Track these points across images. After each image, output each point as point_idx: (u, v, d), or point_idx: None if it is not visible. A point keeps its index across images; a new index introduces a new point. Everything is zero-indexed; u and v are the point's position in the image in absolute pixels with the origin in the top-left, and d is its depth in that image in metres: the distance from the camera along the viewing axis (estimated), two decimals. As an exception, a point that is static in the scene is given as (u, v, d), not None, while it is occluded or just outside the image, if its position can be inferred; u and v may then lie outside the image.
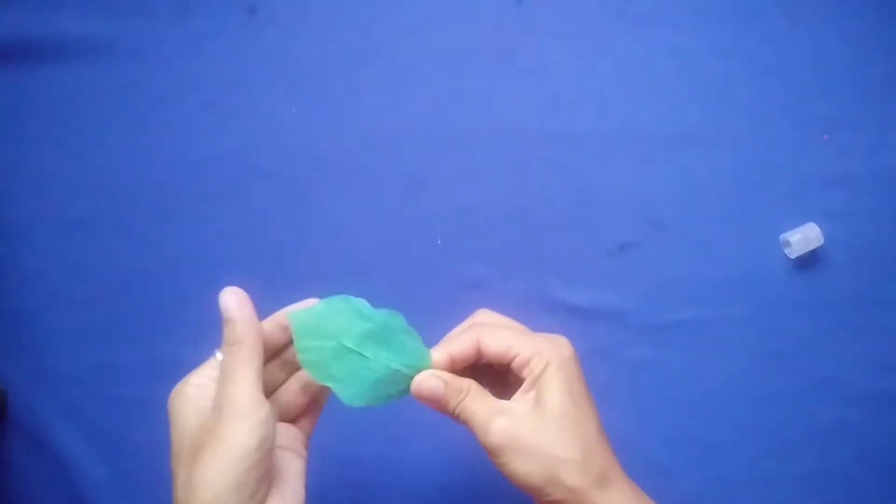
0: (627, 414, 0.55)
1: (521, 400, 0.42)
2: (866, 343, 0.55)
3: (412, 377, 0.42)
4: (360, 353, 0.42)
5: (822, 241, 0.55)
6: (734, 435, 0.55)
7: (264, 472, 0.39)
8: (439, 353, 0.43)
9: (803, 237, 0.54)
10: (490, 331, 0.44)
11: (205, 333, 0.57)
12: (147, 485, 0.57)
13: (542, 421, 0.41)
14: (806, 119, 0.56)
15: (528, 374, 0.42)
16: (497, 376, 0.45)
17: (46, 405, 0.57)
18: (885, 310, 0.55)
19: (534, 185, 0.57)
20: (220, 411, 0.39)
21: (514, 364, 0.43)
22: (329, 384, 0.42)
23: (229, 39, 0.58)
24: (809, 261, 0.55)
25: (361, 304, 0.43)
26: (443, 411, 0.43)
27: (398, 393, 0.43)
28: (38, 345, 0.58)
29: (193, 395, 0.41)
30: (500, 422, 0.41)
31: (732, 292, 0.56)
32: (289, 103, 0.58)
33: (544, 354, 0.42)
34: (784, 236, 0.55)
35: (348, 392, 0.42)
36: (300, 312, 0.43)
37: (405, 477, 0.56)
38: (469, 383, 0.43)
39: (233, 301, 0.42)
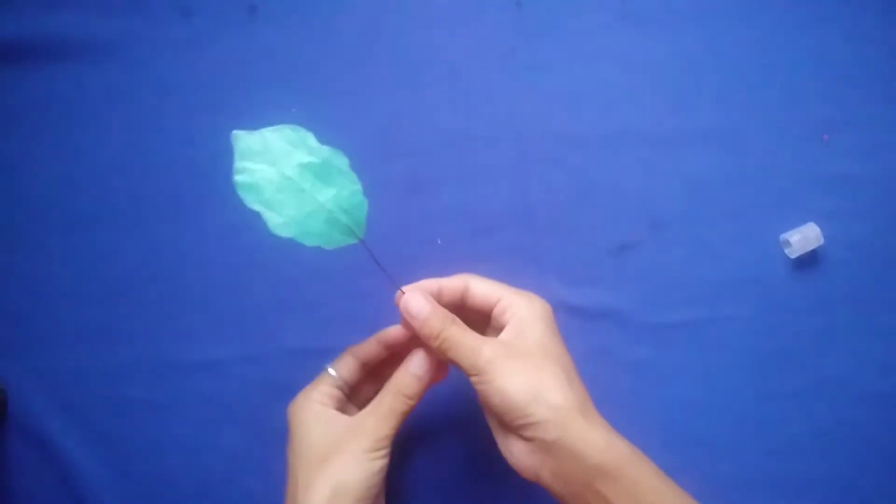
0: (627, 414, 0.55)
1: (505, 334, 0.45)
2: (866, 343, 0.55)
3: (344, 223, 0.43)
4: (297, 184, 0.42)
5: (822, 241, 0.55)
6: (734, 435, 0.55)
7: (376, 495, 0.46)
8: (430, 282, 0.47)
9: (803, 237, 0.54)
10: (478, 278, 0.48)
11: (205, 333, 0.57)
12: (147, 485, 0.57)
13: (527, 349, 0.44)
14: (806, 119, 0.56)
15: (511, 317, 0.45)
16: (475, 326, 0.47)
17: (46, 405, 0.57)
18: (885, 310, 0.55)
19: (534, 185, 0.57)
20: (361, 436, 0.45)
21: (497, 308, 0.46)
22: (259, 209, 0.42)
23: (229, 39, 0.58)
24: (809, 261, 0.55)
25: (309, 137, 0.43)
26: (426, 335, 0.45)
27: (327, 239, 0.43)
28: (38, 345, 0.58)
29: (321, 410, 0.47)
30: (490, 345, 0.44)
31: (732, 292, 0.56)
32: (289, 103, 0.58)
33: (528, 303, 0.46)
34: (784, 236, 0.55)
35: (276, 220, 0.42)
36: (246, 134, 0.43)
37: (405, 477, 0.56)
38: (454, 316, 0.45)
39: (423, 365, 0.47)
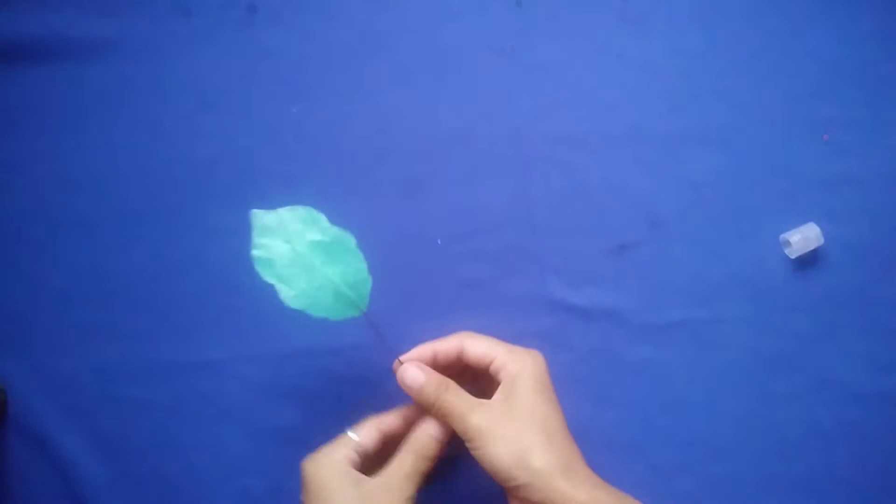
0: (627, 414, 0.56)
1: (496, 396, 0.48)
2: (866, 343, 0.55)
3: (350, 297, 0.47)
4: (308, 260, 0.47)
5: (822, 241, 0.55)
6: (734, 435, 0.55)
7: None
8: (425, 349, 0.49)
9: (803, 237, 0.54)
10: (473, 337, 0.50)
11: (205, 333, 0.57)
12: (147, 485, 0.57)
13: (513, 413, 0.46)
14: (806, 119, 0.56)
15: (505, 376, 0.48)
16: (472, 383, 0.50)
17: (46, 405, 0.57)
18: (885, 310, 0.55)
19: (534, 185, 0.57)
20: (388, 493, 0.47)
21: (492, 367, 0.49)
22: (273, 282, 0.47)
23: (229, 39, 0.58)
24: (809, 261, 0.55)
25: (322, 218, 0.48)
26: (422, 402, 0.48)
27: (333, 311, 0.47)
28: (38, 345, 0.58)
29: (346, 471, 0.47)
30: (479, 412, 0.47)
31: (732, 292, 0.56)
32: (289, 103, 0.58)
33: (520, 361, 0.48)
34: (784, 236, 0.55)
35: (288, 292, 0.47)
36: (263, 213, 0.48)
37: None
38: (448, 380, 0.48)
39: (441, 428, 0.49)
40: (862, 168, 0.56)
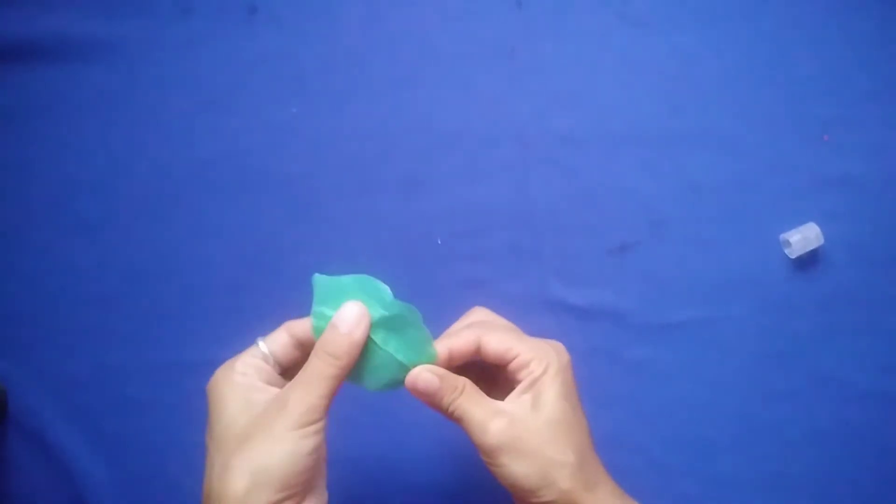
0: (627, 414, 0.56)
1: (517, 402, 0.43)
2: (866, 343, 0.55)
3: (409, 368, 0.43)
4: (370, 336, 0.42)
5: (822, 241, 0.55)
6: (734, 435, 0.55)
7: (307, 480, 0.40)
8: (440, 347, 0.43)
9: (803, 237, 0.54)
10: (491, 331, 0.44)
11: (205, 333, 0.57)
12: (147, 485, 0.57)
13: (539, 424, 0.42)
14: (806, 119, 0.56)
15: (527, 376, 0.43)
16: (487, 376, 0.45)
17: (46, 405, 0.57)
18: (885, 310, 0.55)
19: (534, 185, 0.57)
20: (284, 410, 0.39)
21: (513, 365, 0.43)
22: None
23: (229, 39, 0.58)
24: (809, 261, 0.55)
25: (385, 290, 0.43)
26: (436, 408, 0.43)
27: (394, 384, 0.43)
28: (38, 345, 0.58)
29: (241, 382, 0.41)
30: (498, 423, 0.41)
31: (732, 292, 0.56)
32: (289, 103, 0.58)
33: (544, 358, 0.43)
34: (784, 236, 0.55)
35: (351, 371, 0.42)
36: (326, 278, 0.43)
37: (405, 477, 0.56)
38: (464, 382, 0.43)
39: (355, 316, 0.41)
40: (862, 168, 0.56)
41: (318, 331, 0.42)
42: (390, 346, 0.42)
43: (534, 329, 0.56)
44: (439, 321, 0.55)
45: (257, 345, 0.43)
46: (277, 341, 0.44)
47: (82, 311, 0.57)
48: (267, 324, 0.57)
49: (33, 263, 0.58)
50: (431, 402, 0.43)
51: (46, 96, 0.59)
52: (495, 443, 0.41)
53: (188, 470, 0.57)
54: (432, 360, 0.43)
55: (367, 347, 0.42)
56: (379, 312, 0.42)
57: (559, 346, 0.45)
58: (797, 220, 0.55)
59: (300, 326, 0.44)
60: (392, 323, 0.42)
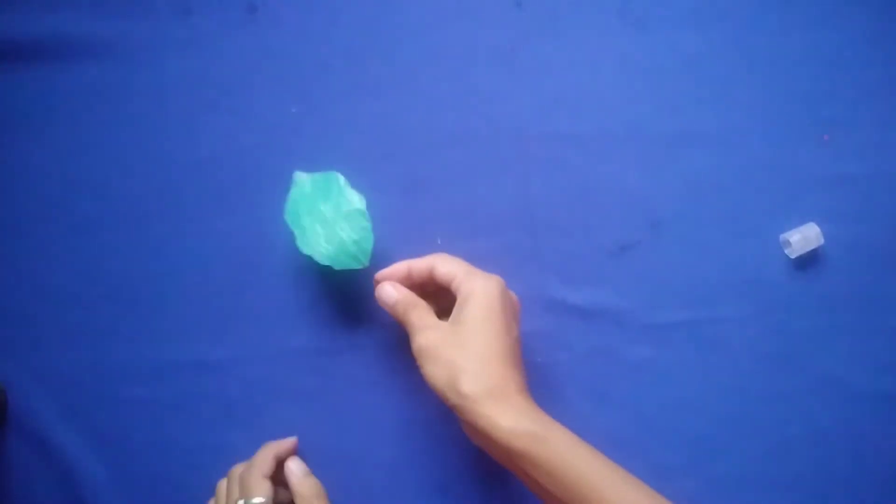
0: (627, 414, 0.56)
1: (449, 319, 0.50)
2: (866, 343, 0.55)
3: (352, 252, 0.53)
4: (323, 216, 0.53)
5: (822, 241, 0.55)
6: (734, 435, 0.55)
7: None
8: (401, 266, 0.52)
9: (803, 237, 0.54)
10: (444, 258, 0.52)
11: (205, 333, 0.57)
12: (147, 485, 0.57)
13: (454, 335, 0.48)
14: (806, 119, 0.56)
15: (459, 298, 0.50)
16: (448, 302, 0.51)
17: (46, 405, 0.57)
18: (885, 310, 0.55)
19: (534, 185, 0.57)
20: None
21: (452, 287, 0.50)
22: (293, 229, 0.54)
23: (229, 39, 0.58)
24: (809, 261, 0.55)
25: (341, 178, 0.54)
26: (395, 318, 0.52)
27: (338, 262, 0.53)
28: (38, 345, 0.58)
29: None
30: (426, 333, 0.49)
31: (732, 292, 0.56)
32: (289, 103, 0.58)
33: (472, 283, 0.49)
34: (784, 236, 0.55)
35: (303, 241, 0.53)
36: (303, 174, 0.55)
37: (405, 477, 0.56)
38: (417, 300, 0.51)
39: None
40: (862, 168, 0.56)
41: (288, 213, 0.54)
42: (337, 226, 0.53)
43: (534, 329, 0.56)
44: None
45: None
46: (266, 488, 0.52)
47: (82, 311, 0.58)
48: (267, 323, 0.57)
49: (33, 263, 0.58)
50: (392, 313, 0.52)
51: (46, 96, 0.59)
52: (416, 347, 0.49)
53: (188, 470, 0.57)
54: (371, 242, 0.53)
55: (323, 223, 0.53)
56: (335, 196, 0.53)
57: (495, 277, 0.50)
58: (797, 220, 0.55)
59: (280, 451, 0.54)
60: (341, 206, 0.53)
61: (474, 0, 0.58)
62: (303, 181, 0.54)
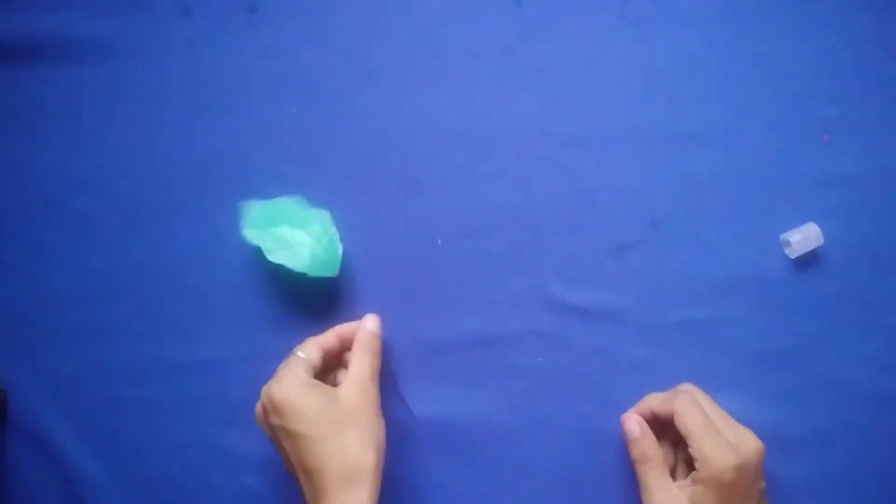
0: (627, 414, 0.55)
1: (682, 492, 0.48)
2: (866, 343, 0.55)
3: (322, 259, 0.54)
4: (289, 232, 0.54)
5: (822, 241, 0.55)
6: (734, 435, 0.55)
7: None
8: (645, 405, 0.53)
9: (803, 237, 0.54)
10: (687, 404, 0.50)
11: (205, 333, 0.57)
12: (147, 485, 0.57)
13: None
14: (806, 119, 0.56)
15: (701, 470, 0.48)
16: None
17: (46, 405, 0.57)
18: (885, 310, 0.55)
19: (534, 185, 0.57)
20: (369, 394, 0.50)
21: (691, 450, 0.49)
22: (259, 244, 0.54)
23: (229, 39, 0.58)
24: (809, 261, 0.55)
25: (302, 200, 0.56)
26: (630, 454, 0.52)
27: (311, 268, 0.54)
28: (38, 345, 0.58)
29: (316, 384, 0.50)
30: (659, 500, 0.49)
31: (732, 292, 0.56)
32: (289, 103, 0.58)
33: (711, 464, 0.47)
34: (784, 236, 0.55)
35: (272, 253, 0.54)
36: (255, 202, 0.56)
37: (405, 477, 0.56)
38: (655, 455, 0.50)
39: (376, 322, 0.54)
40: (862, 168, 0.55)
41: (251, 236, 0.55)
42: (304, 236, 0.54)
43: (534, 329, 0.56)
44: (440, 321, 0.55)
45: (298, 355, 0.51)
46: (313, 352, 0.52)
47: (82, 311, 0.58)
48: (267, 323, 0.57)
49: (33, 263, 0.58)
50: (629, 448, 0.52)
51: (46, 96, 0.59)
52: None
53: (188, 470, 0.57)
54: (339, 250, 0.55)
55: (290, 235, 0.55)
56: (299, 213, 0.55)
57: (739, 449, 0.48)
58: (797, 220, 0.55)
59: (325, 340, 0.53)
60: (307, 219, 0.55)
61: (474, 0, 0.58)
62: (256, 209, 0.55)
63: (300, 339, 0.56)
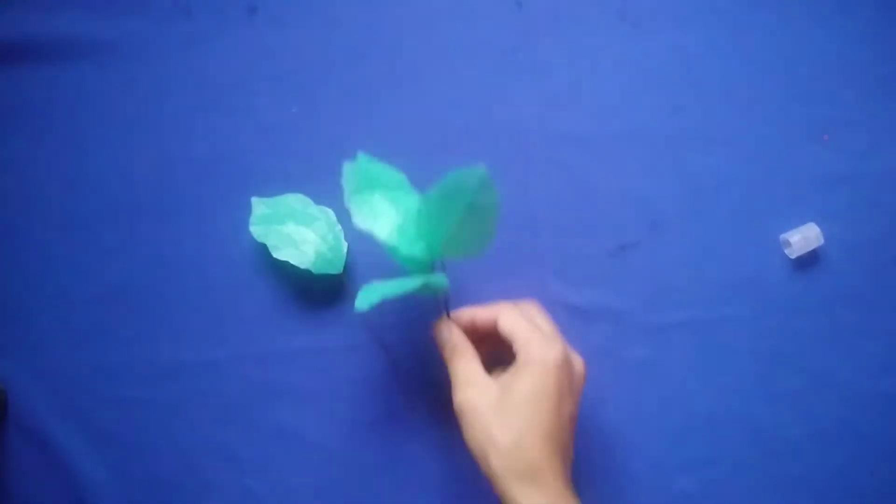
0: (627, 414, 0.56)
1: (497, 379, 0.47)
2: (866, 343, 0.55)
3: (328, 257, 0.55)
4: (294, 229, 0.56)
5: (822, 241, 0.55)
6: (734, 435, 0.55)
7: None
8: (465, 312, 0.50)
9: (803, 237, 0.54)
10: (508, 313, 0.48)
11: (205, 333, 0.57)
12: (147, 485, 0.57)
13: (498, 402, 0.45)
14: (806, 119, 0.56)
15: (517, 363, 0.46)
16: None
17: (46, 405, 0.57)
18: (885, 310, 0.55)
19: (534, 185, 0.57)
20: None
21: (515, 348, 0.47)
22: (264, 241, 0.55)
23: (229, 39, 0.58)
24: (809, 261, 0.55)
25: (307, 199, 0.57)
26: (442, 356, 0.49)
27: (315, 266, 0.55)
28: (38, 345, 0.58)
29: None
30: (468, 391, 0.47)
31: (732, 292, 0.56)
32: (289, 103, 0.58)
33: (532, 351, 0.46)
34: (784, 236, 0.55)
35: (278, 249, 0.55)
36: (262, 199, 0.57)
37: (405, 477, 0.56)
38: (467, 348, 0.49)
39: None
40: (862, 168, 0.56)
41: (258, 233, 0.55)
42: (310, 233, 0.56)
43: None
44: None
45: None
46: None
47: (82, 311, 0.57)
48: (270, 321, 0.57)
49: (33, 263, 0.58)
50: (441, 353, 0.49)
51: (46, 96, 0.59)
52: (456, 403, 0.47)
53: (188, 470, 0.57)
54: (344, 248, 0.55)
55: (295, 233, 0.56)
56: (304, 212, 0.56)
57: (558, 350, 0.46)
58: (797, 220, 0.55)
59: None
60: (313, 218, 0.56)
61: (474, 0, 0.58)
62: (264, 206, 0.56)
63: (303, 338, 0.56)
